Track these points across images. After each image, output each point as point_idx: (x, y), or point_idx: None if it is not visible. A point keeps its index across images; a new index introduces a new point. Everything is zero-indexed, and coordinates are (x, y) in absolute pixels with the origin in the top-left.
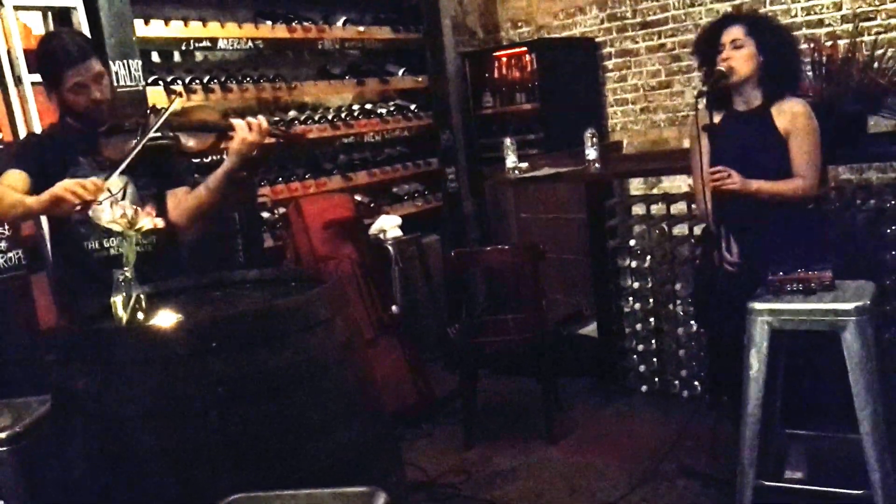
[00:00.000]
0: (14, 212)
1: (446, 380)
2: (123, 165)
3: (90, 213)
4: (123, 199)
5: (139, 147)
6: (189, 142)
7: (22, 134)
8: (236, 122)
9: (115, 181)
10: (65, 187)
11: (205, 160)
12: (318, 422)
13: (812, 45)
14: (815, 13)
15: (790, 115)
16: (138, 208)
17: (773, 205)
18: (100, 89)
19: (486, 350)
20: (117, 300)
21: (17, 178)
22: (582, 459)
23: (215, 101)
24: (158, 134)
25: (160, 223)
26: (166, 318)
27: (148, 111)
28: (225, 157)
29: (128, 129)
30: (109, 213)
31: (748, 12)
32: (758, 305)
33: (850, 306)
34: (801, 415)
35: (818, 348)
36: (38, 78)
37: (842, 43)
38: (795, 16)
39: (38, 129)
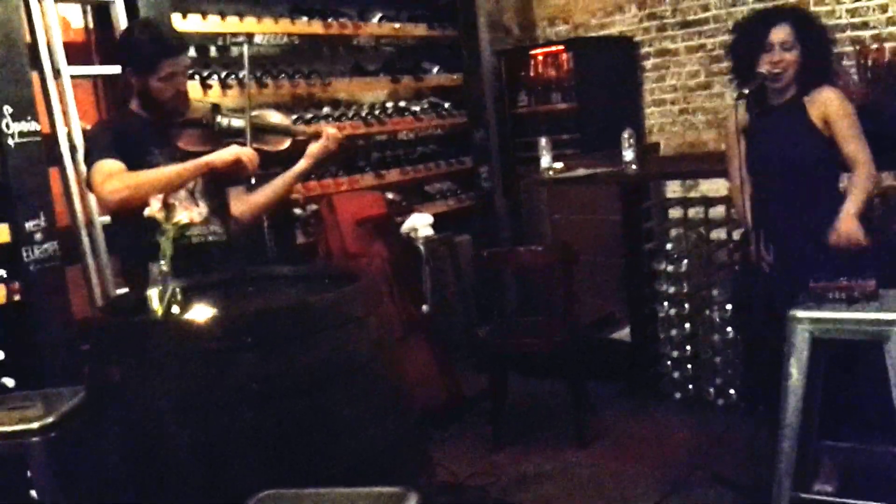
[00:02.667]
0: (177, 182)
1: (475, 380)
2: (250, 141)
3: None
4: (194, 191)
5: (249, 132)
6: (268, 143)
7: (60, 126)
8: (325, 129)
9: None
10: (246, 153)
11: None
12: (350, 420)
13: (857, 48)
14: (860, 15)
15: (822, 103)
16: (175, 203)
17: (813, 208)
18: (184, 82)
19: (517, 352)
20: (153, 293)
21: (119, 166)
22: (612, 465)
23: (251, 95)
24: (239, 124)
25: (197, 218)
26: (201, 313)
27: (218, 109)
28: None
29: (202, 123)
30: (157, 202)
31: (794, 10)
32: (799, 313)
33: (894, 316)
34: (839, 426)
35: (857, 358)
36: (76, 70)
37: (887, 46)
38: (840, 17)
39: (75, 122)
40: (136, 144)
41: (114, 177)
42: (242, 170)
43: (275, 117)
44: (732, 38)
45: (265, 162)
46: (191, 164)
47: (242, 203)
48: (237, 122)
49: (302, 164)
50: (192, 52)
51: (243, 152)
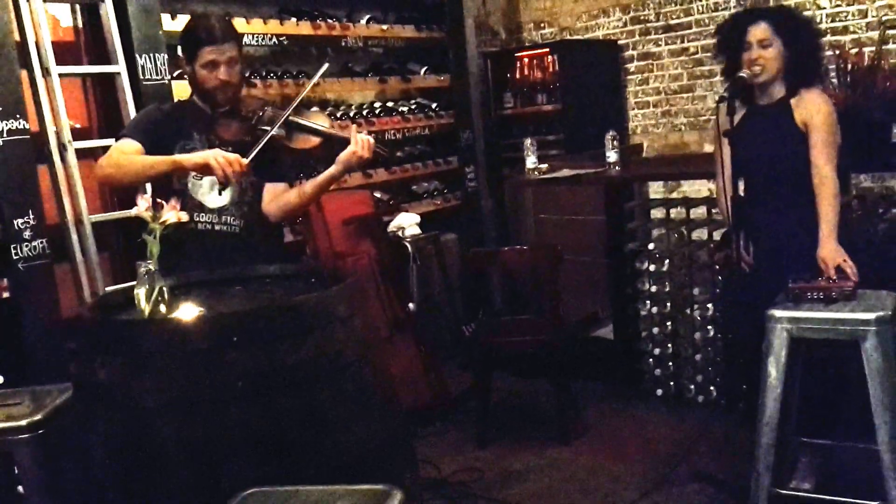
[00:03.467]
0: (147, 173)
1: (461, 378)
2: (260, 145)
3: (189, 187)
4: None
5: (265, 138)
6: (297, 141)
7: (49, 125)
8: (355, 135)
9: None
10: (215, 156)
11: None
12: (335, 418)
13: (837, 52)
14: (840, 20)
15: (809, 107)
16: (164, 202)
17: (794, 210)
18: (229, 72)
19: (502, 350)
20: (140, 292)
21: (131, 147)
22: (595, 462)
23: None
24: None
25: (184, 217)
26: (188, 312)
27: (266, 104)
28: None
29: (244, 115)
30: (209, 191)
31: (773, 8)
32: (778, 313)
33: (871, 316)
34: (817, 424)
35: (836, 357)
36: (65, 69)
37: (867, 50)
38: (820, 22)
39: (64, 121)
40: (177, 129)
41: (114, 154)
42: (216, 175)
43: (315, 117)
44: (715, 40)
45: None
46: (163, 160)
47: (277, 200)
48: (271, 116)
49: (332, 170)
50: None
51: (215, 157)
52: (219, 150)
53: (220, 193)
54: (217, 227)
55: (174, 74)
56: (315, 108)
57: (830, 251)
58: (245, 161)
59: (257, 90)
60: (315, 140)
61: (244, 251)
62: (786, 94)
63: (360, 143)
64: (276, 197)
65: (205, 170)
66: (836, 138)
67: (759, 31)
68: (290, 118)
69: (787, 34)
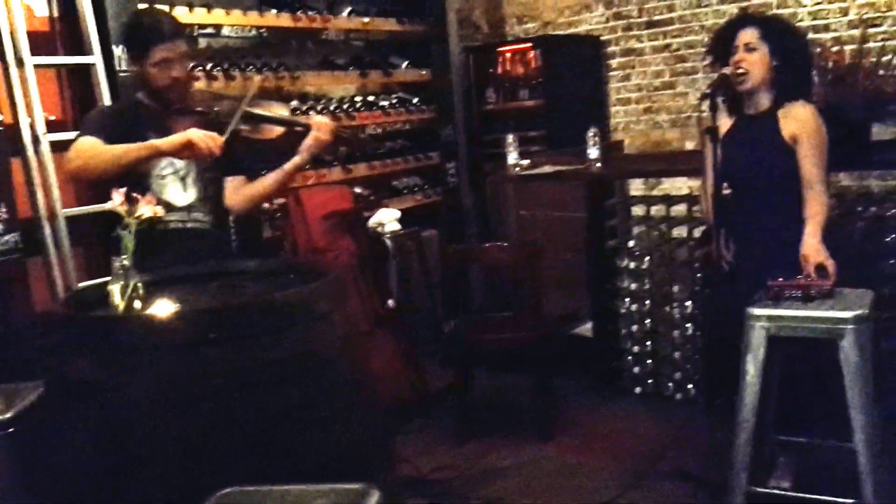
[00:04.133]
0: (123, 159)
1: (441, 375)
2: (232, 127)
3: (153, 187)
4: (186, 178)
5: (236, 117)
6: (261, 131)
7: (22, 116)
8: (313, 119)
9: (182, 162)
10: (197, 134)
11: None
12: (315, 415)
13: (818, 51)
14: (822, 18)
15: (796, 120)
16: (139, 196)
17: (776, 211)
18: (181, 69)
19: (482, 347)
20: (115, 287)
21: (94, 143)
22: (575, 459)
23: (218, 88)
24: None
25: (160, 211)
26: (165, 307)
27: (219, 98)
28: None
29: (200, 111)
30: (174, 189)
31: (763, 14)
32: (756, 311)
33: (848, 315)
34: (794, 422)
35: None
36: (40, 60)
37: (848, 49)
38: (801, 20)
39: (38, 113)
40: (133, 130)
41: (79, 149)
42: (198, 154)
43: (273, 106)
44: (710, 46)
45: (265, 153)
46: (139, 146)
47: (239, 193)
48: (230, 108)
49: (297, 159)
50: None
51: (196, 135)
52: (195, 129)
53: (184, 190)
54: (189, 225)
55: None
56: (271, 100)
57: (814, 247)
58: (221, 138)
59: (237, 83)
60: (278, 129)
61: (218, 247)
62: (772, 105)
63: (318, 126)
64: (237, 190)
65: (186, 150)
66: (825, 148)
67: (746, 34)
68: (250, 109)
69: (775, 41)
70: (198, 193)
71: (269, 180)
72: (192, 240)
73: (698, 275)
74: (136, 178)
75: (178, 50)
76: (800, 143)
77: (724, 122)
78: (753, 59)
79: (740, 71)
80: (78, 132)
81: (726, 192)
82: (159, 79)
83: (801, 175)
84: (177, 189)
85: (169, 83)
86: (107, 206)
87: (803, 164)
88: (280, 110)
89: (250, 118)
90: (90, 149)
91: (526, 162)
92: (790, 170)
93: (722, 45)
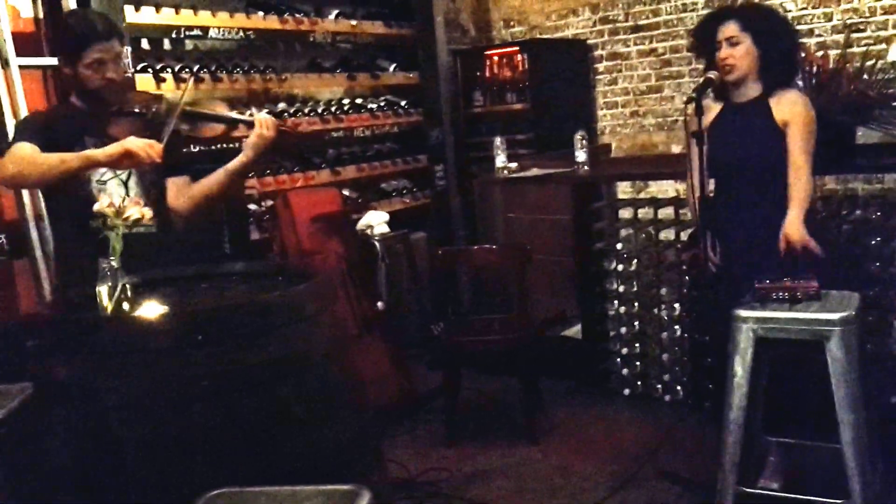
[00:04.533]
0: (59, 169)
1: (429, 377)
2: (170, 128)
3: (94, 190)
4: (128, 182)
5: (166, 136)
6: (203, 130)
7: (8, 117)
8: (256, 116)
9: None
10: (135, 143)
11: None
12: (302, 418)
13: (802, 55)
14: (806, 23)
15: (791, 105)
16: (127, 197)
17: (759, 212)
18: (116, 70)
19: (470, 349)
20: (102, 290)
21: (29, 150)
22: (563, 461)
23: (205, 90)
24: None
25: (148, 213)
26: (152, 309)
27: (157, 98)
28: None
29: (137, 112)
30: (116, 193)
31: (742, 5)
32: (743, 313)
33: (835, 316)
34: (782, 422)
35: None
36: (25, 61)
37: (832, 53)
38: (792, 22)
39: (24, 113)
40: (69, 134)
41: (14, 156)
42: (137, 163)
43: (213, 105)
44: (691, 43)
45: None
46: (75, 156)
47: (183, 194)
48: (169, 108)
49: (242, 157)
50: (144, 44)
51: (134, 144)
52: (133, 137)
53: (127, 194)
54: (134, 230)
55: (138, 68)
56: (211, 100)
57: (796, 227)
58: (160, 145)
59: (224, 85)
60: (219, 127)
61: (166, 250)
62: (763, 92)
63: (262, 123)
64: (181, 191)
65: (124, 159)
66: (813, 138)
67: (727, 29)
68: (190, 108)
69: (758, 31)
70: (141, 196)
71: (212, 180)
72: (136, 245)
73: (686, 277)
74: (77, 184)
75: (113, 50)
76: (791, 129)
77: (713, 109)
78: (739, 54)
79: (726, 67)
80: (12, 138)
81: (712, 193)
82: (93, 80)
83: (788, 160)
84: (119, 193)
85: (104, 84)
86: (94, 207)
87: (792, 150)
88: (221, 109)
89: (190, 117)
90: (27, 157)
91: (514, 165)
92: (779, 155)
93: (703, 41)
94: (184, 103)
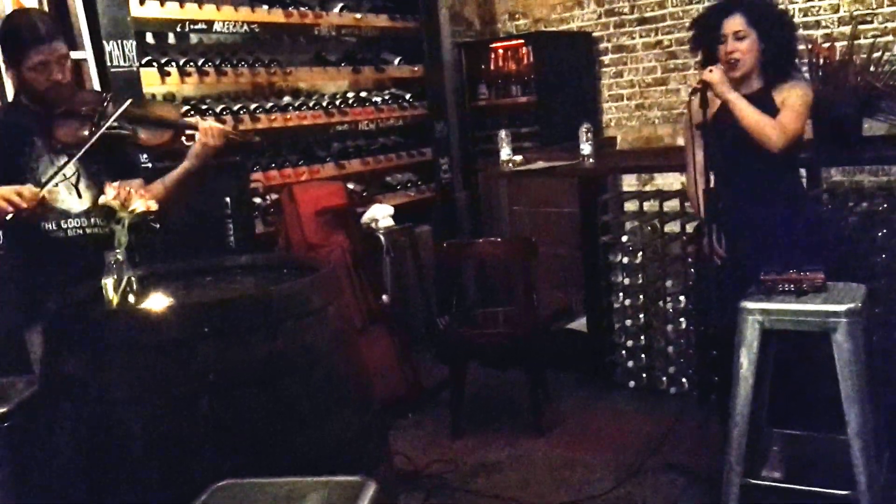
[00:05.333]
0: None
1: (435, 370)
2: (77, 156)
3: (47, 196)
4: (78, 184)
5: (94, 138)
6: (145, 135)
7: None
8: (201, 123)
9: (69, 166)
10: (1, 195)
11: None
12: (308, 410)
13: (809, 47)
14: (813, 14)
15: (788, 89)
16: (132, 190)
17: (764, 202)
18: (61, 71)
19: (476, 342)
20: (108, 282)
21: None
22: (569, 453)
23: (210, 84)
24: (115, 124)
25: (153, 206)
26: (158, 302)
27: (106, 99)
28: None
29: (83, 114)
30: (67, 196)
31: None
32: (749, 305)
33: (841, 308)
34: (788, 414)
35: (807, 349)
36: None
37: (839, 45)
38: (792, 16)
39: None
40: (18, 135)
41: None
42: (4, 211)
43: (160, 108)
44: (692, 34)
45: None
46: None
47: None
48: (112, 110)
49: (186, 164)
50: (149, 38)
51: (1, 194)
52: (5, 187)
53: (79, 196)
54: (88, 231)
55: (143, 62)
56: (161, 101)
57: (722, 78)
58: (38, 190)
59: (228, 79)
60: (166, 134)
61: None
62: (766, 84)
63: (206, 131)
64: None
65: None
66: (806, 108)
67: (733, 23)
68: (133, 111)
69: (762, 26)
70: (93, 199)
71: (160, 186)
72: (90, 245)
73: (691, 269)
74: (23, 217)
75: (57, 52)
76: (787, 100)
77: (714, 102)
78: (744, 48)
79: (732, 61)
80: None
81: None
82: (38, 82)
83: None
84: (70, 196)
85: (48, 86)
86: (100, 200)
87: (781, 111)
88: (166, 110)
89: (138, 121)
90: None
91: (519, 158)
92: (779, 168)
93: (706, 32)
94: (129, 105)
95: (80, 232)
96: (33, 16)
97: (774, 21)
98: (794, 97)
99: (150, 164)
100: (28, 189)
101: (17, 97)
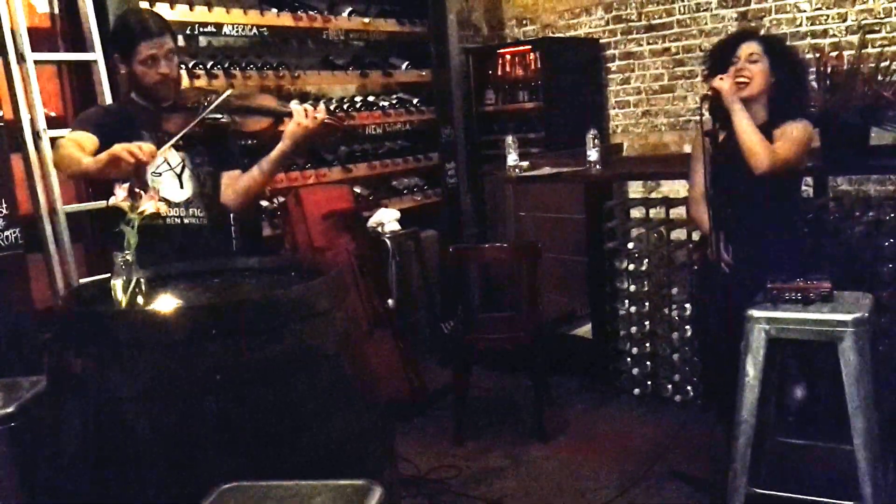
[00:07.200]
0: (70, 168)
1: (439, 374)
2: (179, 136)
3: (150, 181)
4: (182, 174)
5: (196, 121)
6: (245, 124)
7: (23, 112)
8: (294, 107)
9: (175, 156)
10: (122, 147)
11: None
12: (314, 412)
13: (817, 56)
14: (821, 23)
15: (787, 126)
16: (142, 191)
17: (773, 214)
18: (169, 66)
19: (480, 347)
20: (117, 283)
21: (85, 138)
22: (572, 459)
23: (218, 86)
24: (217, 115)
25: (163, 208)
26: (166, 303)
27: (209, 94)
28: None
29: (189, 107)
30: (170, 185)
31: (765, 32)
32: (756, 313)
33: (848, 317)
34: (793, 423)
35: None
36: (41, 56)
37: (846, 54)
38: (800, 25)
39: (39, 108)
40: (127, 129)
41: (63, 143)
42: (124, 167)
43: (261, 98)
44: (708, 62)
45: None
46: (93, 161)
47: (232, 188)
48: (217, 102)
49: (281, 146)
50: None
51: (121, 149)
52: (118, 143)
53: (181, 186)
54: (186, 221)
55: None
56: (258, 92)
57: (732, 88)
58: (155, 148)
59: (237, 82)
60: (265, 121)
61: (215, 243)
62: (769, 119)
63: (301, 113)
64: (231, 185)
65: (116, 164)
66: (802, 145)
67: (749, 46)
68: (236, 102)
69: (776, 57)
70: (194, 189)
71: (254, 173)
72: (189, 236)
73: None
74: (133, 175)
75: (165, 46)
76: (784, 133)
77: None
78: (756, 70)
79: (741, 79)
80: (71, 128)
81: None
82: (148, 76)
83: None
84: (173, 185)
85: (157, 80)
86: (109, 201)
87: (778, 141)
88: (269, 102)
89: (234, 110)
90: (70, 146)
91: (525, 163)
92: (785, 185)
93: (721, 57)
94: (231, 95)
95: (178, 221)
96: (143, 12)
97: (788, 55)
98: (792, 129)
99: (246, 160)
100: (147, 145)
101: (127, 95)
